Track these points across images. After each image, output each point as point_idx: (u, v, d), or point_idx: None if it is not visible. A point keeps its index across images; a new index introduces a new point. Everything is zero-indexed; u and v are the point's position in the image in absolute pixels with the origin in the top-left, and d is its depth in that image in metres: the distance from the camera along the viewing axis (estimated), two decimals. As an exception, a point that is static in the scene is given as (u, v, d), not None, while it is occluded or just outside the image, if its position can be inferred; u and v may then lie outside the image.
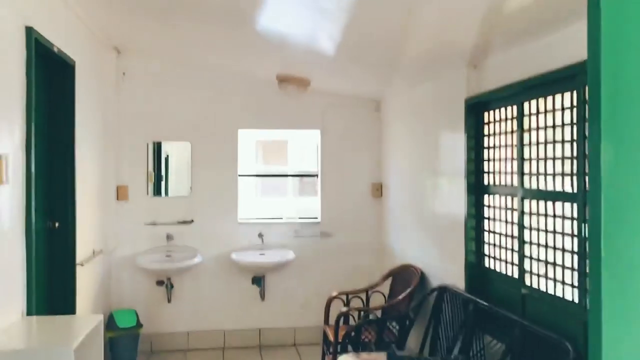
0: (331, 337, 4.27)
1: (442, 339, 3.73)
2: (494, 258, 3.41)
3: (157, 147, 5.24)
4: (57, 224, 3.58)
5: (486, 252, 3.52)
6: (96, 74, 4.45)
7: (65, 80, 3.64)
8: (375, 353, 3.86)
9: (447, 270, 3.93)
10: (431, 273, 4.25)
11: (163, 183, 5.31)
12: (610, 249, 0.94)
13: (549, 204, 2.80)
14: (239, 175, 5.33)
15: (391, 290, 4.74)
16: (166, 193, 5.29)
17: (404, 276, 4.59)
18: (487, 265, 3.51)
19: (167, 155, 5.37)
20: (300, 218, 5.64)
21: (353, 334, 4.01)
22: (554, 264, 2.73)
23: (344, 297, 4.71)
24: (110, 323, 4.61)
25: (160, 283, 5.07)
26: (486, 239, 3.53)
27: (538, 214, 2.90)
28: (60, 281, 3.62)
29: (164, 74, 5.12)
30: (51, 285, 3.54)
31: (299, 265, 5.31)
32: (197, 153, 5.22)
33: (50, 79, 3.52)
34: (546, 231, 2.82)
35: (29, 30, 2.92)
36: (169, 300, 5.08)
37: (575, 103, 2.58)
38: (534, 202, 2.95)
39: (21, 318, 2.88)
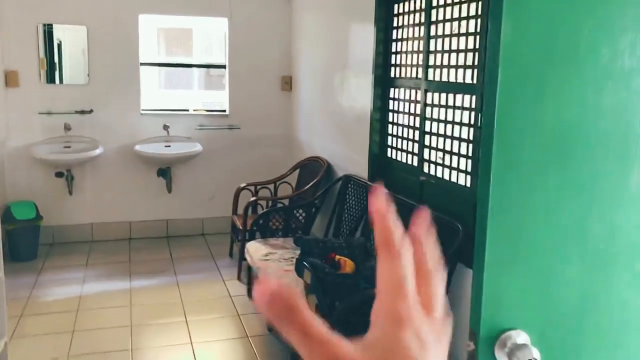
0: (240, 225, 4.38)
1: (345, 224, 3.94)
2: (396, 148, 3.57)
3: (49, 33, 4.83)
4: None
5: (389, 143, 3.67)
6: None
7: None
8: (282, 238, 4.02)
9: (352, 161, 4.08)
10: (337, 164, 4.39)
11: (57, 70, 4.96)
12: (502, 137, 1.02)
13: (450, 95, 2.93)
14: (141, 64, 5.08)
15: (298, 181, 4.87)
16: (61, 81, 4.96)
17: (311, 167, 4.71)
18: (389, 155, 3.67)
19: (60, 42, 4.98)
20: (207, 111, 5.53)
21: (261, 221, 4.13)
22: (451, 152, 2.91)
23: (253, 188, 4.79)
24: (7, 215, 4.43)
25: (59, 175, 4.87)
26: (390, 131, 3.66)
27: (439, 106, 3.03)
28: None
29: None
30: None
31: (206, 158, 5.27)
32: (94, 39, 4.88)
33: None
34: (445, 122, 2.97)
35: None
36: (70, 193, 4.93)
37: (480, -4, 2.65)
38: (436, 94, 3.07)
39: None
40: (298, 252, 3.63)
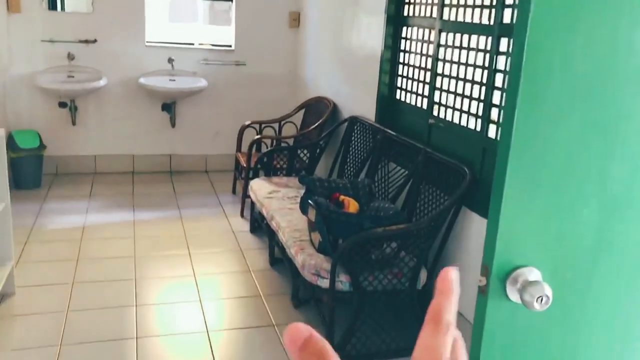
0: (243, 163, 4.37)
1: (350, 166, 3.92)
2: (406, 90, 3.51)
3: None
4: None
5: (398, 84, 3.61)
6: None
7: None
8: (286, 177, 4.01)
9: (359, 102, 4.02)
10: (343, 105, 4.34)
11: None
12: (530, 72, 0.98)
13: (465, 36, 2.85)
14: (146, -6, 4.94)
15: (303, 121, 4.83)
16: (63, 8, 4.84)
17: (317, 108, 4.66)
18: (398, 97, 3.62)
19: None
20: (213, 45, 5.41)
21: (265, 159, 4.11)
22: (462, 95, 2.86)
23: (257, 126, 4.75)
24: (10, 143, 4.41)
25: (62, 105, 4.82)
26: (399, 72, 3.59)
27: (453, 47, 2.96)
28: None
29: None
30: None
31: (211, 94, 5.21)
32: (98, -36, 4.72)
33: None
34: (458, 63, 2.91)
35: None
36: (74, 123, 4.89)
37: None
38: (450, 34, 2.99)
39: None
40: (302, 191, 3.63)
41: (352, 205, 2.93)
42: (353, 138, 3.94)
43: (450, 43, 2.99)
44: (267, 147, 4.57)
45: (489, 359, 1.09)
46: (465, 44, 2.85)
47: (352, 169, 3.88)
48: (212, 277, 3.36)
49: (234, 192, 4.84)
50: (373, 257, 2.57)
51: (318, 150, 4.29)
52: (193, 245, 3.74)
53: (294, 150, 4.29)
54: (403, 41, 3.53)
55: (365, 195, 3.06)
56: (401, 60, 3.56)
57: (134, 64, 4.98)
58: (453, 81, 2.96)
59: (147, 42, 5.00)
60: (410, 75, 3.44)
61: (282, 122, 4.86)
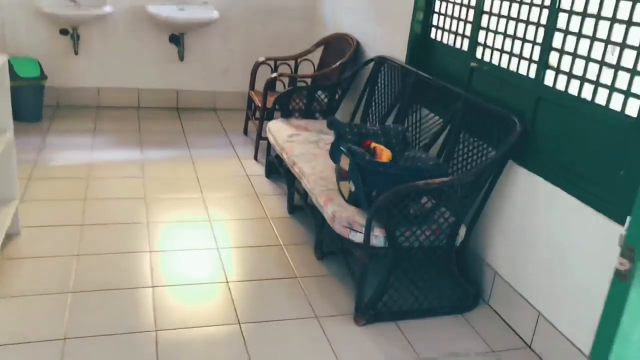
0: (258, 102, 4.11)
1: (375, 110, 3.68)
2: (443, 29, 3.22)
3: None
4: None
5: (434, 22, 3.32)
6: None
7: None
8: (304, 120, 3.77)
9: (387, 41, 3.73)
10: (368, 44, 4.04)
11: None
12: None
13: (521, -30, 2.55)
14: None
15: (322, 59, 4.53)
16: None
17: (338, 45, 4.36)
18: (433, 36, 3.33)
19: None
20: (224, -27, 5.03)
21: (283, 100, 3.85)
22: (514, 37, 2.59)
23: (272, 63, 4.46)
24: (9, 71, 4.10)
25: (64, 32, 4.50)
26: (437, 9, 3.29)
27: (506, -19, 2.66)
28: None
29: None
30: None
31: (222, 26, 4.88)
32: None
33: None
34: (511, 0, 2.62)
35: None
36: (76, 53, 4.58)
37: None
38: (502, -33, 2.69)
39: None
40: (323, 135, 3.42)
41: (384, 154, 2.71)
42: (380, 80, 3.68)
43: (502, -23, 2.69)
44: (284, 86, 4.30)
45: (621, 356, 0.90)
46: (521, -21, 2.55)
47: (377, 114, 3.64)
48: (228, 222, 3.17)
49: (245, 132, 4.60)
50: (411, 212, 2.38)
51: (340, 92, 4.02)
52: (206, 189, 3.53)
53: (313, 91, 4.02)
54: (442, -26, 3.22)
55: (399, 144, 2.84)
56: (439, -5, 3.26)
57: (141, -10, 4.62)
58: (503, 20, 2.68)
59: (155, -34, 4.63)
60: (449, 13, 3.15)
61: (299, 60, 4.56)
